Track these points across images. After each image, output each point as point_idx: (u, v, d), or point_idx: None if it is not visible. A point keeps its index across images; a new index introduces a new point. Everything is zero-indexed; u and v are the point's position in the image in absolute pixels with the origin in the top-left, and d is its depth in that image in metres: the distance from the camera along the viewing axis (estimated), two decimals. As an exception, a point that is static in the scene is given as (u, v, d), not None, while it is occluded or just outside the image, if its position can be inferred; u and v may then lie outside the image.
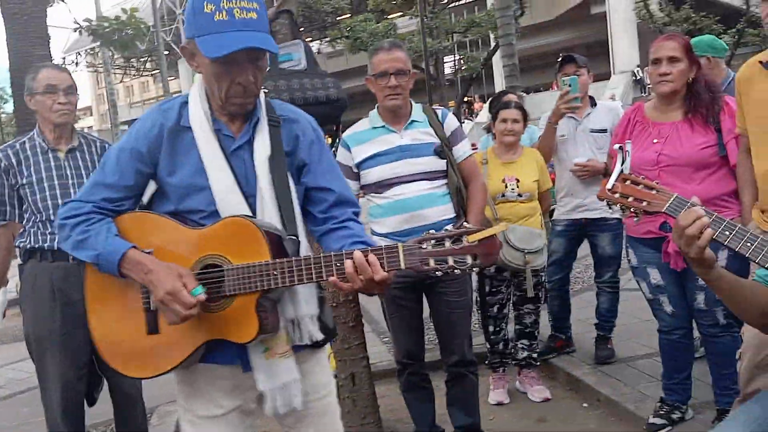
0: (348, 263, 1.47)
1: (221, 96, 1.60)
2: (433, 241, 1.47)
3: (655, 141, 2.75)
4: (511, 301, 3.68)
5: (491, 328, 3.64)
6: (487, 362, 3.73)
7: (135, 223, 1.64)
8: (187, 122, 1.63)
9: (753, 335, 2.33)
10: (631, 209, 1.59)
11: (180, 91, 33.74)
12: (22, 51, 5.54)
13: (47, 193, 2.69)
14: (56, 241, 2.62)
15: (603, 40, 21.56)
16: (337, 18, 19.41)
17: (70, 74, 2.82)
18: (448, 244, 1.47)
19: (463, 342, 2.87)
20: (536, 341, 3.73)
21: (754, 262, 1.46)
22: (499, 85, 20.47)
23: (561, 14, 23.82)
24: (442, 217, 2.74)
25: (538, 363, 3.75)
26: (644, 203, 1.57)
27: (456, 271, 1.46)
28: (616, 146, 1.73)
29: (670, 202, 1.53)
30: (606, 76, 19.54)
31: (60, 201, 2.67)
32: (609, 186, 1.61)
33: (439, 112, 2.86)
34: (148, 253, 1.57)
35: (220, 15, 1.51)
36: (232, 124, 1.67)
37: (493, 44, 17.33)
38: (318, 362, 1.79)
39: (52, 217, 2.65)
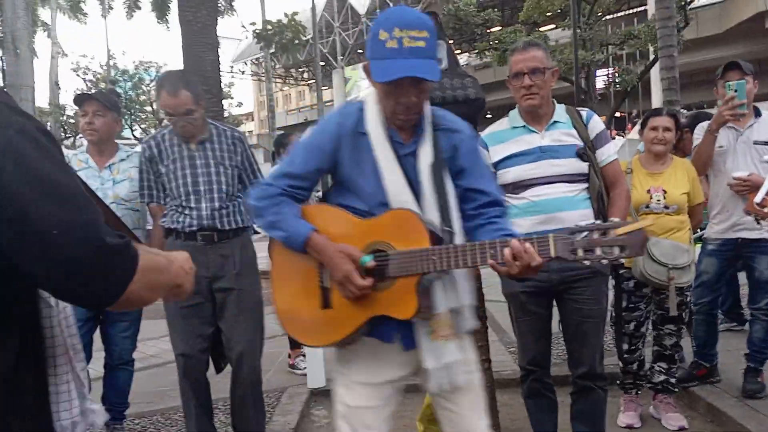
0: (506, 251, 1.63)
1: (387, 111, 1.80)
2: (581, 233, 1.57)
3: None
4: (650, 320, 3.47)
5: (626, 347, 3.44)
6: (618, 382, 3.54)
7: (316, 211, 1.88)
8: (363, 128, 1.83)
9: None
10: None
11: (332, 101, 35.35)
12: (195, 56, 6.12)
13: (180, 181, 2.96)
14: (185, 223, 2.93)
15: (779, 55, 19.58)
16: (488, 30, 19.33)
17: (184, 97, 2.87)
18: (596, 235, 1.56)
19: (593, 353, 2.74)
20: (676, 365, 3.48)
21: None
22: (656, 100, 19.30)
23: (731, 27, 22.01)
24: (580, 221, 2.65)
25: (677, 389, 3.49)
26: None
27: (603, 261, 1.57)
28: None
29: None
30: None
31: (191, 188, 2.94)
32: (758, 200, 1.52)
33: (583, 114, 2.76)
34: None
35: (391, 43, 1.68)
36: (402, 131, 1.84)
37: (651, 57, 16.37)
38: (469, 342, 1.94)
39: (184, 203, 2.95)
